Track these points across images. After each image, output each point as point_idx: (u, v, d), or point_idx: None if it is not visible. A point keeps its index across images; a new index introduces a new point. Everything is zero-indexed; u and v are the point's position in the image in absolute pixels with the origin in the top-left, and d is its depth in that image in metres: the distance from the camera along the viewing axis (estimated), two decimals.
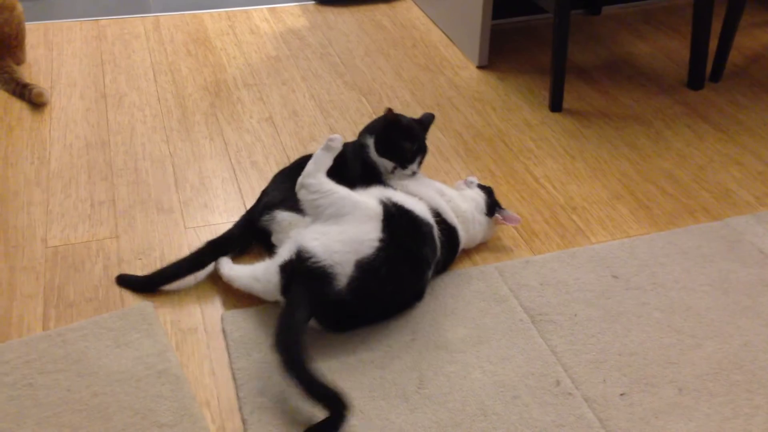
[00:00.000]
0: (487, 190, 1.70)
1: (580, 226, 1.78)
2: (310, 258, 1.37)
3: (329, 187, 1.46)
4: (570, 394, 1.35)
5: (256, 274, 1.49)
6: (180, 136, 2.09)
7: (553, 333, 1.47)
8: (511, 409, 1.32)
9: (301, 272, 1.38)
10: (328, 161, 1.49)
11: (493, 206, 1.67)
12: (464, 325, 1.49)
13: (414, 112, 2.21)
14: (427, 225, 1.51)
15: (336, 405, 1.25)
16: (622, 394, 1.35)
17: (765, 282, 1.60)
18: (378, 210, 1.46)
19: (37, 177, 1.92)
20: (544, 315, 1.51)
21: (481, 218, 1.65)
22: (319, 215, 1.46)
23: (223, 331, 1.47)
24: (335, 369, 1.39)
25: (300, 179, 1.48)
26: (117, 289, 1.57)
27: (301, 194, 1.48)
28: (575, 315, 1.52)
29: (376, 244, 1.40)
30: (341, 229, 1.41)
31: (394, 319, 1.49)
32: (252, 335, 1.46)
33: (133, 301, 1.54)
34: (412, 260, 1.46)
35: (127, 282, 1.57)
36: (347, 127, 2.14)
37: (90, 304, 1.54)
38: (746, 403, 1.34)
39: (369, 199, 1.48)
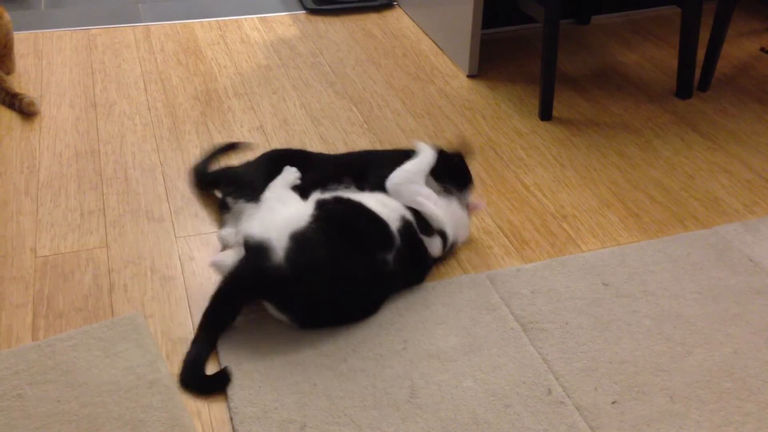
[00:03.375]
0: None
1: (570, 234, 1.79)
2: (250, 239, 1.47)
3: (280, 190, 1.61)
4: (561, 402, 1.35)
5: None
6: (170, 145, 2.09)
7: (544, 341, 1.47)
8: (503, 417, 1.32)
9: (245, 252, 1.47)
10: (290, 179, 1.66)
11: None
12: (455, 333, 1.49)
13: (405, 120, 2.22)
14: (371, 212, 1.54)
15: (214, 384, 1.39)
16: (613, 402, 1.36)
17: (754, 290, 1.61)
18: (311, 200, 1.56)
19: (27, 186, 1.91)
20: (535, 323, 1.51)
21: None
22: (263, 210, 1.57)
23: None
24: (327, 378, 1.38)
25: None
26: (107, 299, 1.57)
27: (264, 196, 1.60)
28: (566, 323, 1.52)
29: (307, 218, 1.49)
30: (276, 213, 1.53)
31: (384, 328, 1.49)
32: (243, 345, 1.45)
33: (123, 311, 1.54)
34: (348, 231, 1.50)
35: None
36: (338, 135, 2.14)
37: (79, 314, 1.53)
38: (737, 410, 1.34)
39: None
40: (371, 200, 1.57)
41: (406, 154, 1.70)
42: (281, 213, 1.52)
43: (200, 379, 1.39)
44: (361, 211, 1.53)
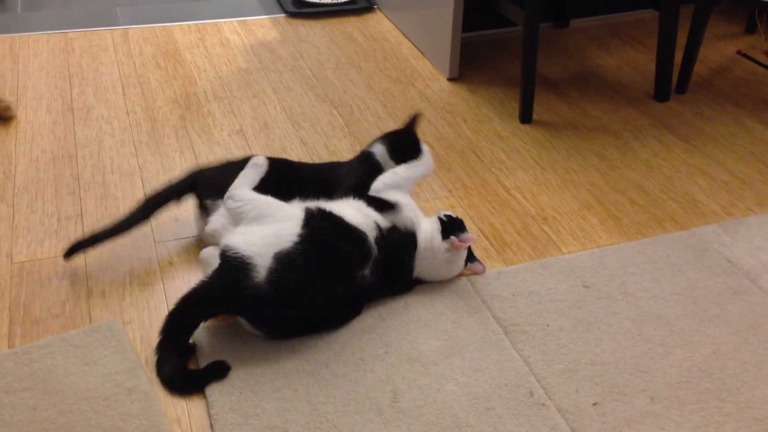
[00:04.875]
0: (453, 220, 1.63)
1: (551, 236, 1.79)
2: (230, 250, 1.41)
3: (254, 195, 1.53)
4: (543, 404, 1.35)
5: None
6: (149, 149, 2.07)
7: (525, 343, 1.48)
8: (485, 420, 1.32)
9: (223, 264, 1.42)
10: (254, 178, 1.58)
11: (449, 230, 1.58)
12: (437, 337, 1.49)
13: (386, 124, 2.22)
14: (353, 227, 1.50)
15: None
16: (594, 404, 1.36)
17: (732, 290, 1.62)
18: (298, 211, 1.49)
19: (3, 192, 1.88)
20: (516, 326, 1.52)
21: (438, 245, 1.57)
22: (242, 220, 1.50)
23: (194, 347, 1.45)
24: (308, 383, 1.38)
25: (228, 191, 1.55)
26: (84, 306, 1.55)
27: (228, 204, 1.53)
28: (547, 325, 1.52)
29: (295, 238, 1.42)
30: (262, 228, 1.46)
31: (366, 332, 1.49)
32: (223, 351, 1.44)
33: (101, 317, 1.52)
34: (334, 255, 1.46)
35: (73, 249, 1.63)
36: (319, 139, 2.14)
37: (57, 320, 1.51)
38: (716, 410, 1.35)
39: (291, 205, 1.52)
40: (349, 209, 1.54)
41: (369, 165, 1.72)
42: (266, 228, 1.45)
43: (189, 379, 1.39)
44: (345, 228, 1.49)
